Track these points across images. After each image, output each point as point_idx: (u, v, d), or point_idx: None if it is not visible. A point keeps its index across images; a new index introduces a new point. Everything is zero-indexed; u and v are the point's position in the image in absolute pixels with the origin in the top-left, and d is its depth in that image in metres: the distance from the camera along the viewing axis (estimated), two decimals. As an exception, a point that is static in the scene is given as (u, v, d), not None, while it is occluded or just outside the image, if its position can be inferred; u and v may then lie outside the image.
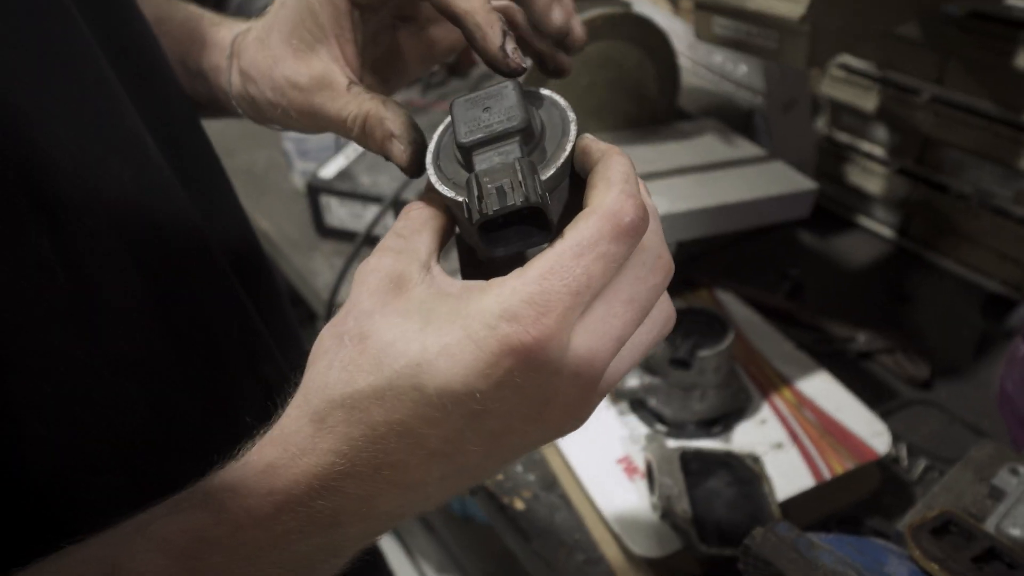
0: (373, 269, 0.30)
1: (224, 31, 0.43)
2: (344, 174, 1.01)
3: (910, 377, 0.77)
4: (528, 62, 0.33)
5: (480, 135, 0.30)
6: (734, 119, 0.86)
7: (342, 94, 0.36)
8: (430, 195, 0.32)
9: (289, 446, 0.28)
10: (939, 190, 0.88)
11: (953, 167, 0.86)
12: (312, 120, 0.37)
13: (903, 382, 0.78)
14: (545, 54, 0.39)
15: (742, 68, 0.90)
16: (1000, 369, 0.69)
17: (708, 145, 0.73)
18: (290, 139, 1.08)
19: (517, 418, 0.28)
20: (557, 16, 0.36)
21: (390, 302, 0.29)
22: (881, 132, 0.92)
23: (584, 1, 0.72)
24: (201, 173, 0.44)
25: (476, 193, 0.28)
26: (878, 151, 0.93)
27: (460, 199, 0.30)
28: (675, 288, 0.86)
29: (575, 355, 0.27)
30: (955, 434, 0.72)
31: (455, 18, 0.32)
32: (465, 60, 1.40)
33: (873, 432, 0.68)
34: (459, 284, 0.29)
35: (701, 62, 0.94)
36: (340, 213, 1.01)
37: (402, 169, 0.35)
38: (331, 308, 0.91)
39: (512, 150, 0.30)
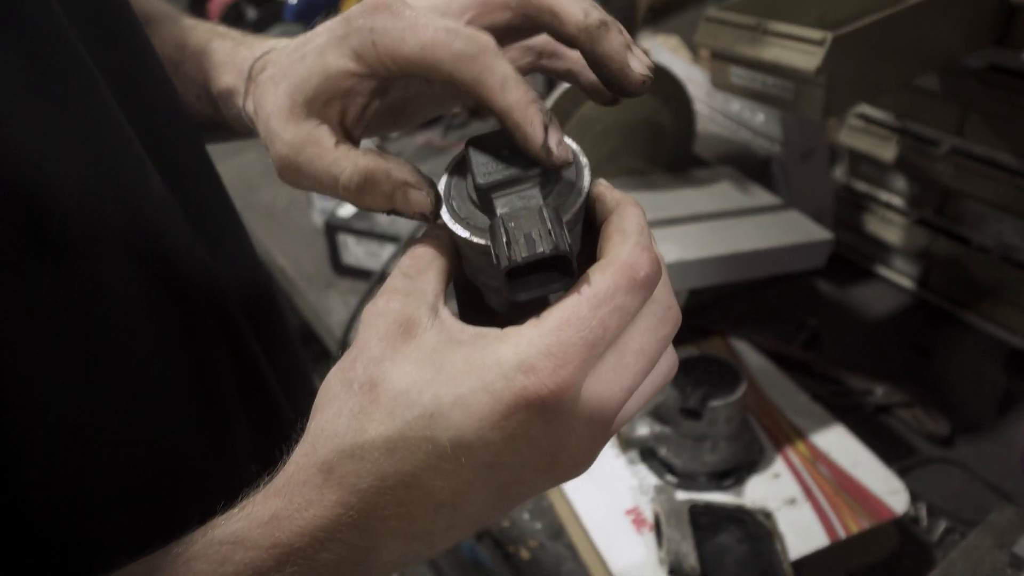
0: (381, 312, 0.29)
1: (245, 52, 0.42)
2: (362, 213, 1.02)
3: (930, 433, 0.75)
4: (573, 153, 0.32)
5: (499, 177, 0.30)
6: (751, 167, 0.86)
7: (330, 151, 0.34)
8: (435, 233, 0.32)
9: (295, 497, 0.28)
10: (960, 242, 0.87)
11: (974, 219, 0.85)
12: (295, 176, 0.35)
13: (922, 438, 0.76)
14: (601, 91, 0.36)
15: (759, 116, 0.90)
16: (1023, 428, 0.67)
17: (724, 192, 0.73)
18: (310, 177, 1.10)
19: (528, 469, 0.28)
20: (637, 70, 0.32)
21: (400, 348, 0.28)
22: (900, 182, 0.91)
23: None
24: (210, 211, 0.45)
25: (504, 239, 0.28)
26: (897, 201, 0.92)
27: (481, 242, 0.30)
28: (689, 335, 0.86)
29: (587, 406, 0.27)
30: (977, 494, 0.70)
31: (494, 113, 0.30)
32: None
33: (890, 490, 0.66)
34: (470, 331, 0.29)
35: (719, 109, 0.95)
36: (357, 252, 1.02)
37: (423, 217, 0.33)
38: (344, 346, 0.91)
39: (533, 194, 0.30)
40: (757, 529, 0.62)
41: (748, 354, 0.81)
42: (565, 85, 0.68)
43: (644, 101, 0.72)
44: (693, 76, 0.97)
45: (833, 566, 0.64)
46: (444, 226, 0.32)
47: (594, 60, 0.31)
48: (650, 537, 0.64)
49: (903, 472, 0.70)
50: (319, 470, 0.28)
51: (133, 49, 0.40)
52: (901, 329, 0.90)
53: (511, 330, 0.27)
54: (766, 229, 0.67)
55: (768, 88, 0.68)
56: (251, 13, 1.59)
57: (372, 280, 0.94)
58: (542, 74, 0.38)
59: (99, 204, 0.33)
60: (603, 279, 0.27)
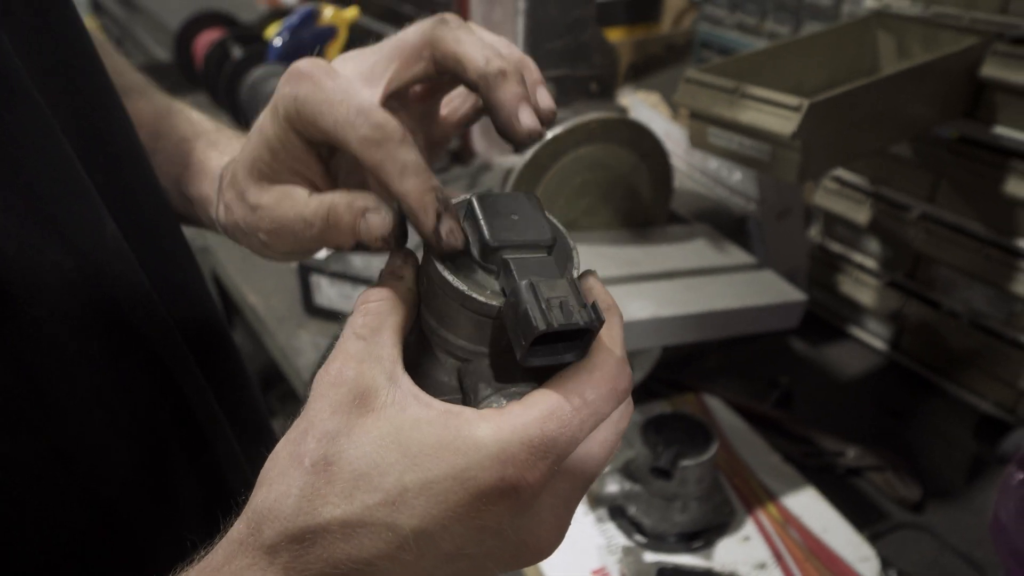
0: (334, 382, 0.28)
1: (215, 158, 0.43)
2: (336, 255, 1.01)
3: (901, 498, 0.75)
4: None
5: (514, 238, 0.30)
6: (727, 224, 0.86)
7: (303, 200, 0.34)
8: (390, 283, 0.31)
9: None
10: (931, 306, 0.88)
11: (944, 284, 0.86)
12: (278, 235, 0.35)
13: (893, 503, 0.75)
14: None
15: (736, 175, 0.91)
16: (994, 496, 0.67)
17: (699, 250, 0.73)
18: (287, 216, 1.09)
19: (491, 560, 0.28)
20: (525, 122, 0.32)
21: (357, 422, 0.27)
22: (873, 245, 0.93)
23: (584, 103, 0.73)
24: (168, 261, 0.43)
25: (540, 305, 0.28)
26: (870, 263, 0.93)
27: (491, 303, 0.29)
28: (662, 390, 0.85)
29: (556, 499, 0.28)
30: (947, 563, 0.69)
31: (395, 197, 0.31)
32: (468, 150, 1.43)
33: (861, 557, 0.65)
34: (437, 407, 0.27)
35: (697, 167, 0.96)
36: (330, 293, 1.01)
37: (383, 242, 0.32)
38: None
39: (548, 261, 0.30)
40: (726, 595, 0.61)
41: (720, 411, 0.81)
42: (546, 138, 0.68)
43: (622, 157, 0.72)
44: (672, 133, 0.99)
45: (802, 635, 0.62)
46: (406, 276, 0.31)
47: (489, 106, 0.32)
48: (617, 601, 0.62)
49: (873, 538, 0.69)
50: (264, 553, 0.26)
51: (95, 96, 0.39)
52: (873, 390, 0.90)
53: (489, 413, 0.27)
54: (741, 288, 0.67)
55: (745, 149, 0.69)
56: (236, 52, 1.60)
57: (343, 322, 0.93)
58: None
59: (40, 251, 0.31)
60: (589, 383, 0.28)
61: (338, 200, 0.33)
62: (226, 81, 1.52)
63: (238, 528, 0.27)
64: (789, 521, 0.68)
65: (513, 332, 0.28)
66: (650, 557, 0.64)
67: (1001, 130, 0.73)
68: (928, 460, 0.79)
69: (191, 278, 0.46)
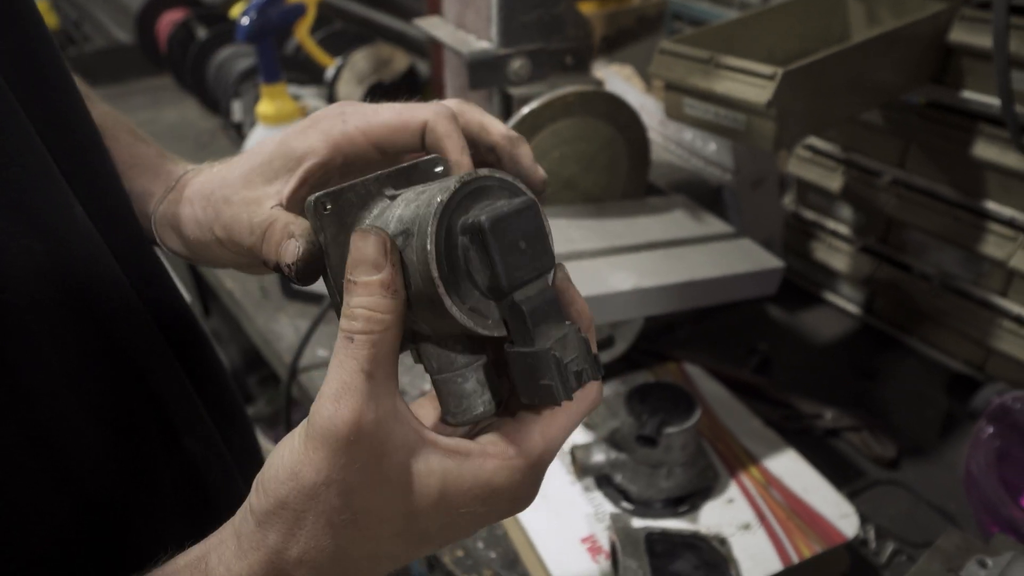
0: (352, 438, 0.28)
1: (168, 162, 0.45)
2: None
3: (877, 456, 0.77)
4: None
5: (524, 275, 0.30)
6: (703, 195, 0.87)
7: (263, 208, 0.36)
8: (388, 299, 0.30)
9: None
10: (903, 269, 0.90)
11: (916, 248, 0.88)
12: (227, 234, 0.38)
13: (870, 461, 0.77)
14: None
15: (711, 146, 0.92)
16: (965, 451, 0.69)
17: (677, 221, 0.74)
18: (262, 198, 1.08)
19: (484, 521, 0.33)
20: (540, 173, 0.40)
21: (375, 475, 0.29)
22: (846, 211, 0.94)
23: (562, 76, 0.73)
24: (135, 247, 0.43)
25: (561, 377, 0.30)
26: (843, 229, 0.95)
27: (493, 334, 0.31)
28: (644, 360, 0.86)
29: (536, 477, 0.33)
30: (922, 516, 0.72)
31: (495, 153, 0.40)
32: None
33: (841, 514, 0.67)
34: (441, 450, 0.31)
35: (672, 138, 0.96)
36: (309, 274, 1.00)
37: (288, 270, 0.34)
38: (293, 371, 0.89)
39: (549, 291, 0.31)
40: (712, 555, 0.62)
41: (702, 379, 0.82)
42: (523, 112, 0.68)
43: (599, 130, 0.73)
44: (646, 105, 0.99)
45: (786, 591, 0.64)
46: (400, 289, 0.31)
47: (511, 160, 0.39)
48: (606, 565, 0.63)
49: (852, 495, 0.71)
50: None
51: (58, 82, 0.39)
52: (848, 353, 0.92)
53: (492, 451, 0.31)
54: (719, 257, 0.68)
55: (720, 119, 0.69)
56: (201, 33, 1.57)
57: (324, 305, 0.92)
58: None
59: (11, 235, 0.32)
60: (576, 418, 0.33)
61: (277, 216, 0.36)
62: (192, 63, 1.49)
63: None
64: (771, 483, 0.70)
65: (525, 386, 0.31)
66: (638, 523, 0.66)
67: (969, 94, 0.75)
68: (902, 419, 0.82)
69: (156, 265, 0.45)
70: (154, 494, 0.39)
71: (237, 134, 1.40)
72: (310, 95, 1.34)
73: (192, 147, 1.47)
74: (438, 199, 0.30)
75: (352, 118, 0.38)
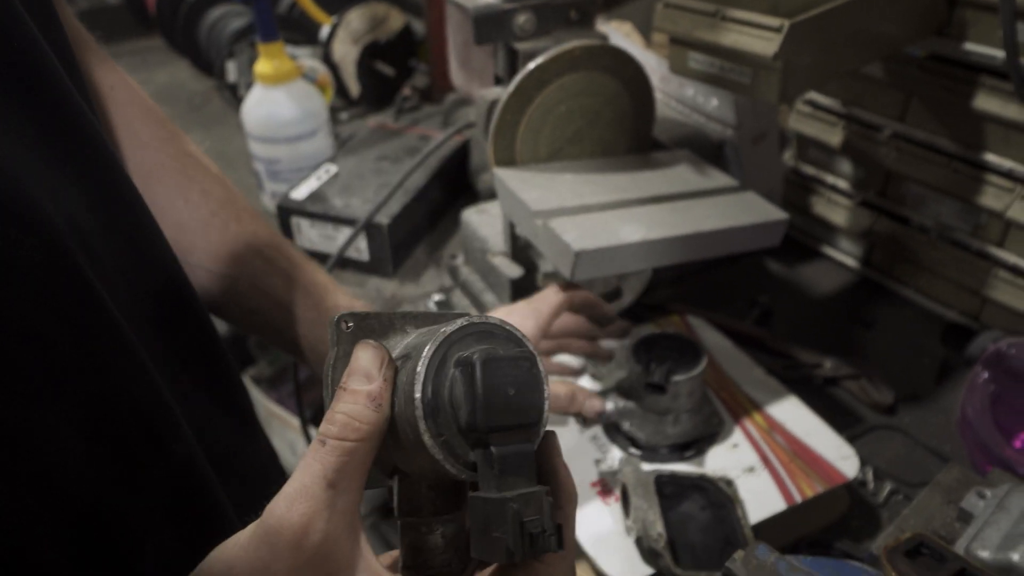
0: (298, 544, 0.28)
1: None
2: (316, 196, 1.00)
3: (875, 403, 0.79)
4: None
5: (502, 422, 0.29)
6: (705, 150, 0.88)
7: None
8: (370, 412, 0.30)
9: None
10: (901, 222, 0.91)
11: (914, 201, 0.89)
12: None
13: (868, 407, 0.80)
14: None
15: (713, 101, 0.92)
16: (961, 396, 0.72)
17: (682, 175, 0.75)
18: (260, 160, 1.08)
19: None
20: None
21: None
22: (846, 166, 0.95)
23: (566, 30, 0.73)
24: (128, 223, 0.43)
25: (519, 538, 0.28)
26: (842, 184, 0.96)
27: (460, 476, 0.30)
28: (647, 314, 0.88)
29: None
30: (918, 458, 0.74)
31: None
32: (437, 88, 1.42)
33: (841, 456, 0.69)
34: None
35: (673, 95, 0.97)
36: (311, 235, 1.01)
37: None
38: None
39: (527, 454, 0.30)
40: (719, 496, 0.65)
41: (704, 330, 0.84)
42: (530, 66, 0.69)
43: (605, 84, 0.73)
44: (647, 62, 0.99)
45: (789, 529, 0.67)
46: (385, 405, 0.30)
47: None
48: (616, 507, 0.65)
49: (851, 439, 0.74)
50: None
51: (31, 46, 0.38)
52: (846, 305, 0.94)
53: None
54: (725, 210, 0.69)
55: (725, 73, 0.70)
56: (193, -11, 1.54)
57: (328, 263, 0.93)
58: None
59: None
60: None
61: None
62: (183, 22, 1.47)
63: None
64: (774, 427, 0.72)
65: (478, 536, 0.29)
66: (646, 467, 0.68)
67: (971, 46, 0.75)
68: (899, 367, 0.84)
69: (153, 242, 0.45)
70: (140, 497, 0.38)
71: (232, 95, 1.39)
72: (305, 55, 1.32)
73: (185, 109, 1.45)
74: (442, 330, 0.30)
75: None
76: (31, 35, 0.37)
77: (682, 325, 0.84)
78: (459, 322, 0.31)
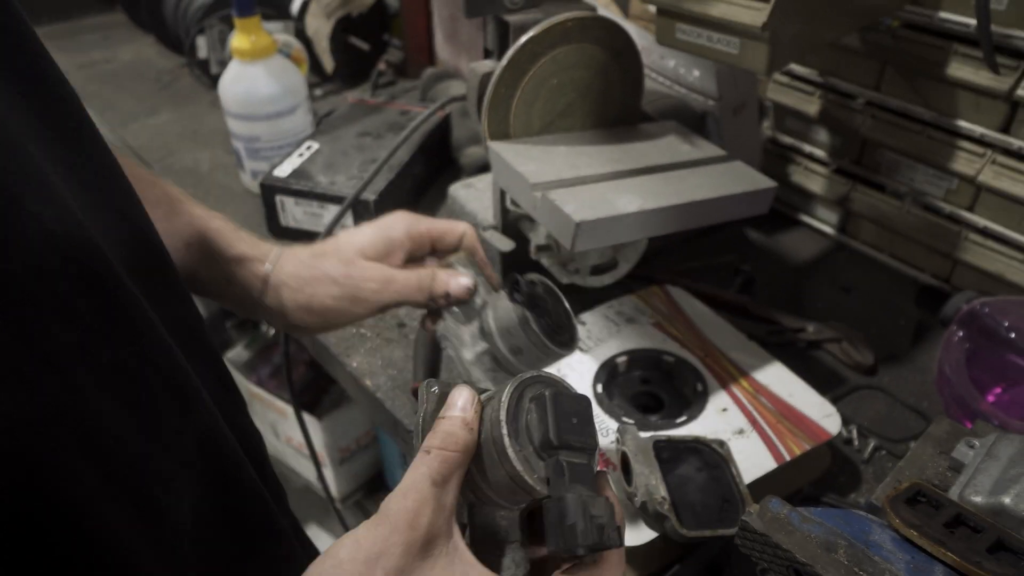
0: (411, 524, 0.35)
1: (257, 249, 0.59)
2: (299, 173, 0.99)
3: (856, 364, 0.82)
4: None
5: (571, 441, 0.37)
6: (689, 121, 0.89)
7: (406, 270, 0.60)
8: (465, 433, 0.38)
9: None
10: (876, 188, 0.94)
11: (889, 168, 0.92)
12: (358, 284, 0.58)
13: (850, 369, 0.83)
14: None
15: (695, 73, 0.93)
16: (937, 354, 0.75)
17: (672, 145, 0.76)
18: (239, 138, 1.06)
19: None
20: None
21: (419, 566, 0.35)
22: (822, 135, 0.98)
23: (555, 3, 0.73)
24: (118, 198, 0.43)
25: (587, 524, 0.35)
26: (819, 153, 0.99)
27: (536, 488, 0.37)
28: (629, 285, 0.89)
29: None
30: (899, 416, 0.78)
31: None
32: (412, 63, 1.40)
33: (825, 414, 0.72)
34: (478, 570, 0.36)
35: (654, 67, 0.98)
36: (296, 213, 1.00)
37: (463, 290, 0.59)
38: None
39: (589, 471, 0.37)
40: (714, 457, 0.67)
41: (686, 300, 0.86)
42: (523, 39, 0.69)
43: (596, 56, 0.73)
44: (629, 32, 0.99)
45: (779, 486, 0.69)
46: (475, 430, 0.39)
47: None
48: (616, 475, 0.67)
49: (834, 400, 0.77)
50: None
51: (28, 41, 0.38)
52: (825, 271, 0.97)
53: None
54: (716, 179, 0.70)
55: (714, 43, 0.71)
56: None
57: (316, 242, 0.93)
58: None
59: (19, 201, 0.31)
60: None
61: (438, 269, 0.60)
62: (148, -2, 1.43)
63: None
64: (760, 391, 0.75)
65: (553, 529, 0.35)
66: (643, 434, 0.70)
67: (945, 14, 0.78)
68: (877, 329, 0.87)
69: (130, 205, 0.45)
70: (174, 461, 0.39)
71: (203, 72, 1.36)
72: (277, 30, 1.30)
73: (153, 87, 1.42)
74: (518, 377, 0.40)
75: (423, 221, 0.61)
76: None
77: (662, 295, 0.86)
78: (529, 373, 0.40)
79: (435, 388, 0.42)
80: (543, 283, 0.56)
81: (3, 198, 0.30)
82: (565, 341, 0.56)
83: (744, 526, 0.43)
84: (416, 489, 0.36)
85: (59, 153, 0.37)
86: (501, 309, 0.56)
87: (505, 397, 0.38)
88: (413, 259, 0.62)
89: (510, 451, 0.37)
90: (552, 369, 0.75)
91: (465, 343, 0.59)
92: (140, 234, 0.44)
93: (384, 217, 0.62)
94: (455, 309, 0.60)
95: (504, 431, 0.37)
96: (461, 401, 0.39)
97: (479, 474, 0.39)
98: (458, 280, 0.58)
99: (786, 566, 0.41)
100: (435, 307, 0.60)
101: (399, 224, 0.60)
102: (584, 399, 0.39)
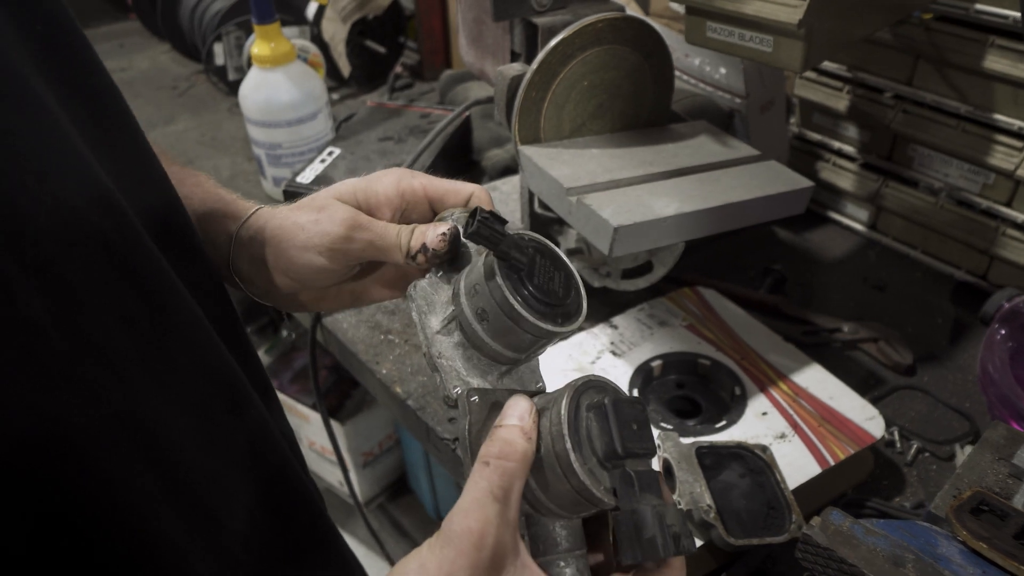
0: (477, 545, 0.34)
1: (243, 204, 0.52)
2: (322, 179, 0.99)
3: (894, 364, 0.81)
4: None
5: (635, 449, 0.37)
6: (716, 120, 0.88)
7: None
8: (523, 442, 0.37)
9: None
10: (908, 185, 0.93)
11: (921, 162, 0.90)
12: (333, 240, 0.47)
13: (888, 369, 0.81)
14: None
15: (721, 70, 0.92)
16: (979, 353, 0.73)
17: (705, 146, 0.75)
18: (260, 145, 1.06)
19: None
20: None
21: None
22: (851, 131, 0.96)
23: (583, 4, 0.72)
24: (156, 188, 0.43)
25: (664, 535, 0.35)
26: (848, 149, 0.97)
27: (604, 499, 0.36)
28: (659, 287, 0.88)
29: None
30: (941, 416, 0.76)
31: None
32: (428, 65, 1.40)
33: (867, 417, 0.70)
34: None
35: (679, 65, 0.96)
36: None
37: (440, 240, 0.45)
38: (315, 327, 0.89)
39: (654, 477, 0.37)
40: (756, 463, 0.66)
41: (718, 302, 0.84)
42: (553, 42, 0.68)
43: (627, 57, 0.72)
44: (651, 31, 0.98)
45: (823, 491, 0.68)
46: (534, 439, 0.38)
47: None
48: (657, 481, 0.66)
49: (874, 401, 0.75)
50: None
51: (71, 40, 0.38)
52: (857, 269, 0.96)
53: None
54: (751, 180, 0.69)
55: (746, 42, 0.69)
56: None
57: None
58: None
59: (71, 215, 0.31)
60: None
61: (417, 224, 0.48)
62: (162, 5, 1.43)
63: None
64: (799, 394, 0.73)
65: (630, 542, 0.35)
66: (684, 440, 0.69)
67: (982, 7, 0.76)
68: (914, 327, 0.86)
69: (184, 222, 0.45)
70: (227, 463, 0.39)
71: (220, 79, 1.35)
72: (293, 35, 1.29)
73: (170, 95, 1.42)
74: (571, 384, 0.38)
75: (419, 177, 0.49)
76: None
77: (694, 297, 0.85)
78: (583, 378, 0.39)
79: (475, 397, 0.41)
80: (537, 241, 0.43)
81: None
82: (545, 311, 0.40)
83: (806, 539, 0.42)
84: (479, 506, 0.35)
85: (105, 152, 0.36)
86: (480, 264, 0.43)
87: (564, 408, 0.37)
88: (408, 222, 0.50)
89: (576, 465, 0.36)
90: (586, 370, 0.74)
91: (435, 308, 0.45)
92: (177, 221, 0.43)
93: (380, 172, 0.50)
94: (440, 273, 0.46)
95: (568, 445, 0.36)
96: (518, 411, 0.38)
97: (538, 486, 0.38)
98: (436, 228, 0.45)
99: (850, 581, 0.39)
100: (417, 267, 0.47)
101: (388, 177, 0.48)
102: (640, 403, 0.38)
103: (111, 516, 0.32)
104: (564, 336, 0.42)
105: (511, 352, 0.42)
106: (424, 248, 0.45)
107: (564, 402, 0.37)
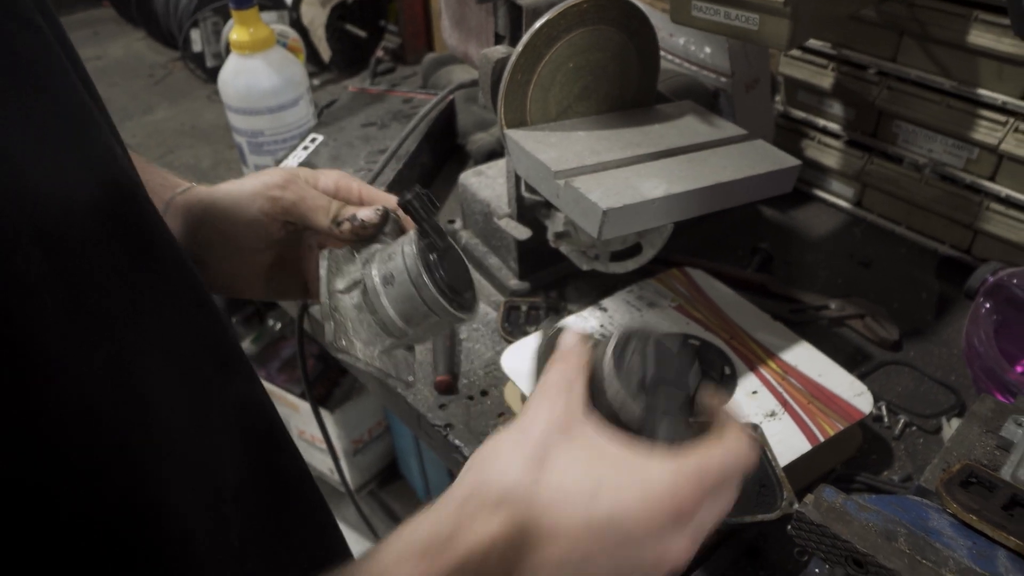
0: (551, 411, 0.38)
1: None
2: (305, 166, 0.97)
3: (881, 340, 0.82)
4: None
5: (671, 377, 0.40)
6: (701, 99, 0.88)
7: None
8: (581, 347, 0.42)
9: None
10: (893, 161, 0.93)
11: (906, 139, 0.90)
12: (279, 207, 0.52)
13: (875, 345, 0.82)
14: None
15: (706, 50, 0.92)
16: (964, 327, 0.74)
17: (691, 126, 0.75)
18: (242, 133, 1.04)
19: (633, 568, 0.37)
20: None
21: (562, 441, 0.38)
22: (836, 108, 0.96)
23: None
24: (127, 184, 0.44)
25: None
26: (833, 126, 0.97)
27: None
28: (647, 268, 0.88)
29: (698, 526, 0.38)
30: (927, 391, 0.77)
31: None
32: (410, 48, 1.38)
33: (855, 393, 0.71)
34: (620, 438, 0.38)
35: (663, 45, 0.96)
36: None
37: (376, 214, 0.52)
38: (303, 316, 0.88)
39: (681, 399, 0.40)
40: (748, 442, 0.66)
41: (706, 281, 0.85)
42: (538, 23, 0.67)
43: (612, 38, 0.72)
44: (635, 11, 0.97)
45: (813, 467, 0.69)
46: (587, 351, 0.41)
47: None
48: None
49: (862, 377, 0.76)
50: (491, 506, 0.35)
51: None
52: (843, 246, 0.96)
53: (656, 452, 0.37)
54: (739, 159, 0.69)
55: (732, 20, 0.69)
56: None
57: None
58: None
59: (74, 184, 0.32)
60: (729, 453, 0.39)
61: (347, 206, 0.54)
62: (137, -9, 1.40)
63: (459, 491, 0.37)
64: (789, 372, 0.74)
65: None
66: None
67: (966, -19, 0.76)
68: (899, 303, 0.87)
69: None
70: (217, 421, 0.40)
71: (198, 66, 1.33)
72: (272, 20, 1.27)
73: (147, 83, 1.39)
74: (623, 326, 0.43)
75: (358, 181, 0.55)
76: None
77: (682, 278, 0.85)
78: (633, 321, 0.41)
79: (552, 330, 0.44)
80: (456, 243, 0.49)
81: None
82: (444, 291, 0.47)
83: (800, 516, 0.42)
84: (555, 383, 0.39)
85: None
86: (401, 240, 0.49)
87: (613, 339, 0.40)
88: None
89: (607, 380, 0.39)
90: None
91: (342, 273, 0.50)
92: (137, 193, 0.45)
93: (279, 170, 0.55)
94: (356, 253, 0.51)
95: (608, 360, 0.39)
96: (574, 336, 0.43)
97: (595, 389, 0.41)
98: (370, 208, 0.51)
99: (844, 556, 0.40)
100: (339, 236, 0.51)
101: (331, 172, 0.55)
102: (684, 344, 0.41)
103: (105, 471, 0.32)
104: (450, 323, 0.49)
105: (401, 322, 0.47)
106: (353, 217, 0.51)
107: (614, 336, 0.41)
